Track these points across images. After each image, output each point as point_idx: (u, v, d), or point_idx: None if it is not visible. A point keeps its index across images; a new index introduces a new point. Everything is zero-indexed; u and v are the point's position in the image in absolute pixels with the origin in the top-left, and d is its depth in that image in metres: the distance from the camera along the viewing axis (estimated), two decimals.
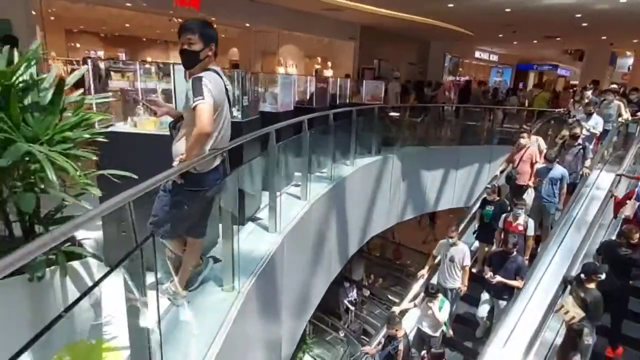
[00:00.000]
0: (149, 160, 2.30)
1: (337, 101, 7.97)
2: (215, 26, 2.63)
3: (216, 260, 3.15)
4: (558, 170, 5.86)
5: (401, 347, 4.62)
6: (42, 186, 1.55)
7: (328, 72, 14.63)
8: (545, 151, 6.49)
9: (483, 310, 5.34)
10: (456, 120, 11.08)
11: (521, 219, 5.48)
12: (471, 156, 10.03)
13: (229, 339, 2.53)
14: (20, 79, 1.50)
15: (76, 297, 1.60)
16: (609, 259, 4.60)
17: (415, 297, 5.55)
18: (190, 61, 2.46)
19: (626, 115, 8.08)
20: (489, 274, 5.08)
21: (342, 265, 7.27)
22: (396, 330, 4.67)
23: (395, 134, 9.33)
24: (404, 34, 15.57)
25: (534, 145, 6.50)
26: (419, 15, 12.14)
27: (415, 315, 5.30)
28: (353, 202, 6.90)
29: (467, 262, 5.37)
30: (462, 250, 5.34)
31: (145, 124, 3.31)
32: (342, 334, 9.10)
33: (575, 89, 14.42)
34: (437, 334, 4.95)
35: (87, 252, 1.71)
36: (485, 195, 6.22)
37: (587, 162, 6.50)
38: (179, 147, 2.50)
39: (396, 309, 5.39)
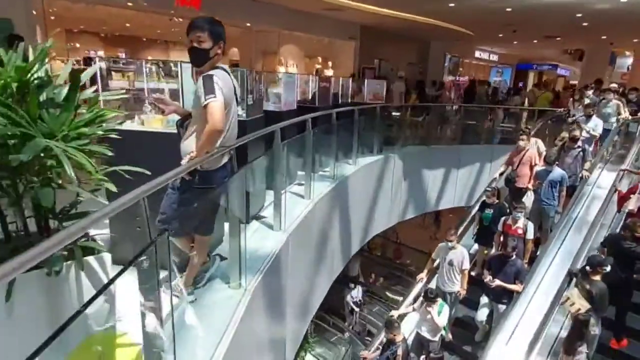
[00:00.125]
0: (156, 158, 2.31)
1: (340, 100, 7.99)
2: None
3: (222, 258, 3.16)
4: (557, 172, 5.83)
5: (400, 352, 4.62)
6: (60, 181, 1.56)
7: (328, 72, 14.64)
8: (544, 153, 6.46)
9: (482, 314, 5.32)
10: (458, 120, 11.09)
11: (520, 222, 5.45)
12: (472, 155, 10.06)
13: (236, 337, 2.54)
14: (35, 75, 1.50)
15: (91, 291, 1.62)
16: (614, 252, 4.64)
17: (414, 301, 5.51)
18: (200, 59, 2.46)
19: (625, 114, 8.11)
20: (488, 278, 5.07)
21: (345, 264, 7.28)
22: (394, 335, 4.67)
23: (397, 134, 9.34)
24: (404, 34, 15.59)
25: (533, 147, 6.47)
26: (419, 15, 12.15)
27: (414, 319, 5.28)
28: (355, 201, 6.91)
29: (466, 265, 5.34)
30: (461, 253, 5.32)
31: (153, 122, 3.32)
32: (346, 335, 9.08)
33: (574, 88, 14.49)
34: (436, 338, 4.93)
35: (102, 247, 1.71)
36: (484, 198, 6.19)
37: (587, 165, 6.49)
38: (188, 145, 2.51)
39: (395, 313, 5.38)
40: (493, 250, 5.88)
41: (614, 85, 10.28)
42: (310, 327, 8.45)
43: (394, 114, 9.81)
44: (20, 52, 1.51)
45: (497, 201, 6.02)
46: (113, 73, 4.46)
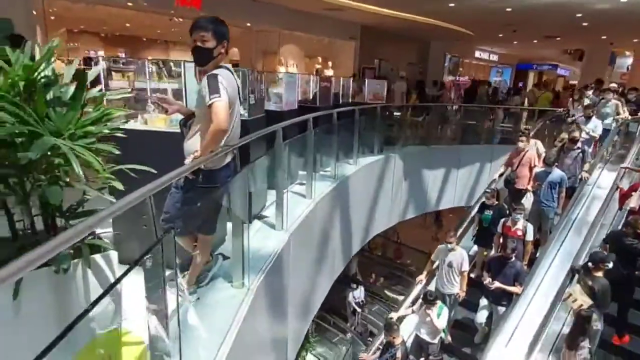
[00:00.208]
0: (160, 157, 2.31)
1: (340, 100, 7.99)
2: None
3: (225, 257, 3.17)
4: (557, 174, 5.82)
5: (399, 354, 4.62)
6: (68, 179, 1.56)
7: (328, 72, 14.65)
8: (543, 155, 6.45)
9: (482, 316, 5.30)
10: (458, 120, 11.10)
11: (520, 224, 5.43)
12: (472, 155, 10.07)
13: (239, 336, 2.55)
14: (42, 74, 1.51)
15: (97, 289, 1.62)
16: (615, 249, 4.66)
17: (413, 303, 5.50)
18: (204, 58, 2.47)
19: (625, 114, 8.12)
20: (487, 280, 5.04)
21: (345, 264, 7.29)
22: (393, 337, 4.67)
23: (398, 133, 9.35)
24: (404, 34, 15.60)
25: (532, 148, 6.46)
26: (419, 15, 12.16)
27: (414, 321, 5.27)
28: (356, 201, 6.92)
29: (466, 267, 5.33)
30: (460, 255, 5.30)
31: (156, 121, 3.32)
32: (348, 336, 9.07)
33: (574, 88, 14.51)
34: (436, 340, 4.92)
35: (108, 245, 1.72)
36: (483, 199, 6.18)
37: (586, 166, 6.50)
38: (192, 144, 2.51)
39: (394, 315, 5.36)
40: (492, 252, 5.85)
41: (613, 85, 10.28)
42: (311, 327, 8.46)
43: (395, 113, 9.82)
44: (28, 51, 1.52)
45: (496, 202, 6.00)
46: (113, 73, 4.47)
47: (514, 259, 5.04)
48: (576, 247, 5.25)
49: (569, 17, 11.06)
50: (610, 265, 4.25)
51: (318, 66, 15.73)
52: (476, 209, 6.46)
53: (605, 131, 7.65)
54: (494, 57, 23.45)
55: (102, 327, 1.57)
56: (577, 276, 4.44)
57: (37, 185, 1.48)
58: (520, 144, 6.29)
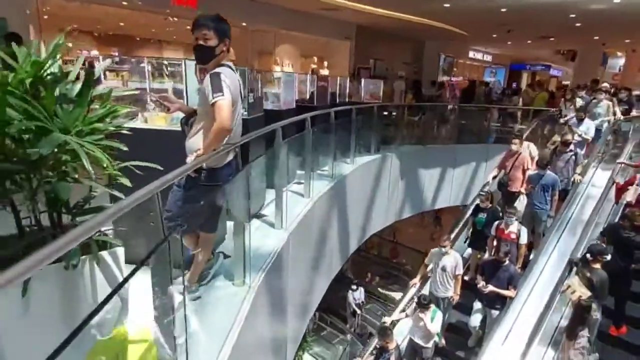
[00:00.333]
0: (160, 155, 2.31)
1: (337, 100, 8.01)
2: None
3: (225, 256, 3.17)
4: (550, 177, 5.81)
5: (393, 359, 4.60)
6: (76, 175, 1.56)
7: (324, 72, 14.66)
8: (536, 157, 6.46)
9: (475, 320, 5.27)
10: (453, 120, 11.16)
11: (514, 227, 5.40)
12: (468, 155, 10.11)
13: (242, 334, 2.55)
14: (48, 71, 1.50)
15: (104, 285, 1.62)
16: (613, 241, 4.72)
17: (406, 307, 5.48)
18: (206, 57, 2.47)
19: (618, 114, 8.18)
20: (481, 284, 5.01)
21: (342, 264, 7.30)
22: (387, 342, 4.65)
23: (394, 133, 9.37)
24: (399, 34, 15.66)
25: (525, 151, 6.45)
26: (414, 15, 12.21)
27: (407, 325, 5.23)
28: (353, 200, 6.93)
29: (460, 271, 5.30)
30: (454, 259, 5.28)
31: (156, 120, 3.32)
32: (348, 337, 9.06)
33: (566, 88, 14.64)
34: (429, 344, 4.89)
35: (116, 242, 1.72)
36: (477, 202, 6.15)
37: (579, 169, 6.51)
38: (194, 142, 2.51)
39: (387, 320, 5.35)
40: (486, 255, 5.82)
41: (605, 85, 10.37)
42: (308, 326, 8.46)
43: (393, 113, 9.85)
44: (24, 49, 1.51)
45: (490, 205, 5.96)
46: (107, 72, 4.44)
47: (507, 262, 5.02)
48: (571, 247, 5.29)
49: (563, 17, 11.16)
50: (609, 257, 4.31)
51: (313, 66, 15.74)
52: (470, 212, 6.44)
53: (597, 131, 7.69)
54: (488, 58, 23.61)
55: (110, 325, 1.56)
56: (575, 268, 4.49)
57: (44, 182, 1.48)
58: (514, 147, 6.26)
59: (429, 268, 5.78)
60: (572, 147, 6.41)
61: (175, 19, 13.13)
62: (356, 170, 6.98)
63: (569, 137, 6.42)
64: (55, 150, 1.45)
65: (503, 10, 10.64)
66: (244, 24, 12.59)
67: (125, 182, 1.70)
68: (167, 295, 1.68)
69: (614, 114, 8.08)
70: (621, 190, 5.83)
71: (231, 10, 10.68)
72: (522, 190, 6.23)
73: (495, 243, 5.52)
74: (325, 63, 15.00)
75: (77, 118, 1.49)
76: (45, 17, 13.21)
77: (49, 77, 1.49)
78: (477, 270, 5.59)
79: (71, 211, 1.62)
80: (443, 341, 5.41)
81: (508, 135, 9.73)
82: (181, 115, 2.84)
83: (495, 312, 5.03)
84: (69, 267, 1.46)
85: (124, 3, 10.12)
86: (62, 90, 1.53)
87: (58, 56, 1.58)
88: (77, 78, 1.66)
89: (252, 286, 3.00)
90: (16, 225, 1.52)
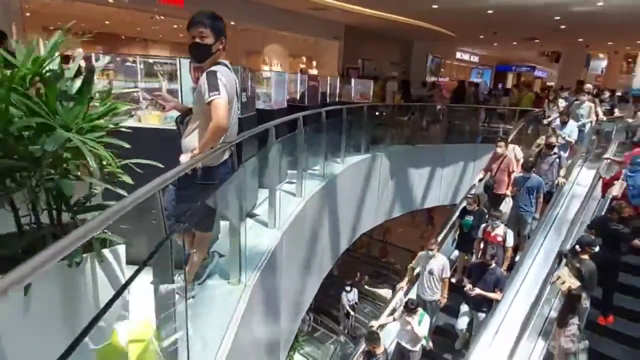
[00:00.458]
0: (154, 154, 2.29)
1: (328, 100, 8.02)
2: None
3: (220, 255, 3.16)
4: (535, 180, 5.88)
5: None
6: (79, 173, 1.54)
7: (313, 72, 14.68)
8: (521, 160, 6.55)
9: (462, 323, 5.28)
10: (441, 119, 11.26)
11: (500, 230, 5.42)
12: (456, 154, 10.22)
13: (239, 332, 2.55)
14: (47, 68, 1.48)
15: (106, 283, 1.61)
16: (601, 234, 4.84)
17: (394, 311, 5.48)
18: (202, 55, 2.45)
19: (600, 115, 8.35)
20: (468, 286, 5.03)
21: (333, 263, 7.31)
22: (375, 347, 4.66)
23: (384, 133, 9.42)
24: (387, 34, 15.75)
25: (510, 153, 6.54)
26: (403, 16, 12.30)
27: (395, 329, 5.22)
28: (344, 200, 6.95)
29: (447, 274, 5.32)
30: (441, 262, 5.28)
31: (150, 118, 3.29)
32: (342, 339, 9.05)
33: (549, 89, 14.93)
34: (417, 348, 4.90)
35: (117, 239, 1.70)
36: (464, 204, 6.17)
37: (562, 171, 6.61)
38: (190, 141, 2.50)
39: (375, 324, 5.36)
40: (474, 258, 5.85)
41: (588, 86, 10.58)
42: (302, 327, 8.46)
43: (383, 113, 9.90)
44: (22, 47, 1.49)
45: (477, 208, 5.99)
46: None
47: (494, 265, 5.06)
48: (556, 246, 5.40)
49: (548, 19, 11.37)
50: (597, 248, 4.43)
51: (302, 66, 15.74)
52: (457, 214, 6.47)
53: (580, 132, 7.82)
54: (475, 59, 23.91)
55: (110, 326, 1.55)
56: (564, 260, 4.61)
57: (46, 179, 1.46)
58: (499, 150, 6.36)
59: (416, 271, 5.78)
60: (555, 149, 6.50)
61: (162, 17, 13.00)
62: (346, 170, 7.00)
63: (552, 139, 6.52)
64: (56, 147, 1.43)
65: (490, 11, 10.79)
66: (232, 22, 12.53)
67: (127, 179, 1.68)
68: (168, 294, 1.67)
69: (596, 114, 8.24)
70: (607, 185, 6.00)
71: (219, 8, 10.50)
72: (508, 192, 6.30)
73: (482, 246, 5.55)
74: (314, 63, 15.00)
75: (78, 115, 1.47)
76: (28, 14, 12.97)
77: (48, 74, 1.47)
78: (464, 273, 5.63)
79: (72, 209, 1.60)
80: (430, 344, 5.44)
81: (495, 135, 9.91)
82: (176, 113, 2.82)
83: (481, 315, 5.06)
84: (72, 265, 1.45)
85: (110, 1, 9.98)
86: (62, 87, 1.51)
87: (57, 53, 1.56)
88: (76, 75, 1.64)
89: (247, 284, 3.00)
90: (15, 224, 1.50)
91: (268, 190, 4.27)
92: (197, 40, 2.41)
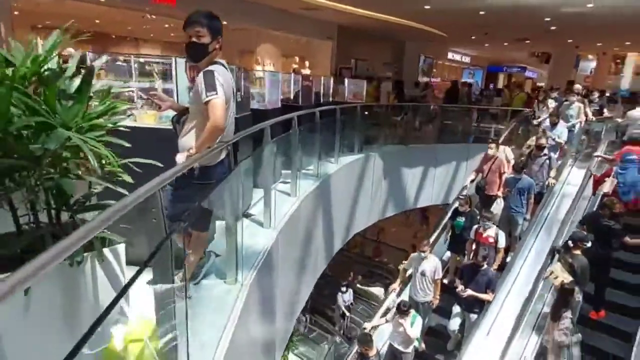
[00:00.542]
0: (150, 153, 2.28)
1: (321, 99, 8.03)
2: None
3: (216, 255, 3.16)
4: (526, 181, 5.92)
5: None
6: (80, 172, 1.53)
7: (305, 72, 14.67)
8: (512, 161, 6.60)
9: (454, 324, 5.29)
10: (433, 119, 11.32)
11: (491, 231, 5.42)
12: (449, 154, 10.29)
13: (237, 331, 2.55)
14: (46, 66, 1.48)
15: (105, 283, 1.60)
16: (593, 230, 4.89)
17: (386, 312, 5.50)
18: (199, 54, 2.45)
19: (589, 115, 8.46)
20: (460, 287, 5.04)
21: (327, 263, 7.32)
22: (367, 349, 4.67)
23: (377, 133, 9.45)
24: (380, 34, 15.81)
25: (501, 154, 6.58)
26: (395, 16, 12.35)
27: (388, 330, 5.23)
28: (337, 200, 6.97)
29: (439, 275, 5.33)
30: (433, 263, 5.29)
31: (145, 118, 3.27)
32: (337, 339, 9.05)
33: (539, 89, 15.09)
34: (409, 350, 4.90)
35: (118, 238, 1.70)
36: (456, 205, 6.18)
37: (553, 172, 6.69)
38: (187, 141, 2.49)
39: (367, 325, 5.37)
40: (466, 259, 5.85)
41: (577, 86, 10.70)
42: (298, 327, 8.45)
43: (378, 112, 9.92)
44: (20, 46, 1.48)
45: (469, 209, 6.01)
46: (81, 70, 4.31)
47: (485, 266, 5.08)
48: (547, 246, 5.46)
49: (539, 20, 11.49)
50: (589, 244, 4.49)
51: (295, 66, 15.72)
52: (449, 215, 6.50)
53: (569, 132, 7.90)
54: (466, 59, 24.07)
55: (109, 326, 1.55)
56: (557, 255, 4.69)
57: (47, 178, 1.45)
58: (490, 151, 6.40)
59: (408, 273, 5.79)
60: (545, 150, 6.56)
61: (154, 16, 12.92)
62: (340, 170, 7.02)
63: (543, 141, 6.57)
64: (57, 146, 1.43)
65: (482, 12, 10.88)
66: (224, 22, 12.47)
67: (127, 178, 1.68)
68: (167, 294, 1.67)
69: (586, 115, 8.34)
70: (598, 182, 6.10)
71: (211, 7, 10.44)
72: (499, 193, 6.34)
73: (474, 247, 5.57)
74: (307, 63, 14.99)
75: (77, 114, 1.46)
76: (16, 13, 12.81)
77: (46, 73, 1.46)
78: (456, 274, 5.65)
79: (71, 208, 1.59)
80: (423, 345, 5.46)
81: (487, 135, 9.99)
82: (171, 113, 2.81)
83: (473, 316, 5.08)
84: (74, 264, 1.44)
85: (102, 0, 9.88)
86: (61, 85, 1.50)
87: (55, 52, 1.56)
88: (74, 74, 1.63)
89: (244, 284, 3.00)
90: (14, 223, 1.49)
91: (263, 190, 4.27)
92: (194, 39, 2.41)
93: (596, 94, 11.58)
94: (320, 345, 9.05)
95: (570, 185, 7.12)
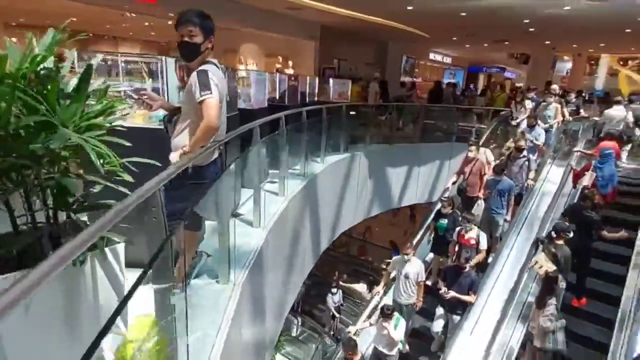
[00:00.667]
0: (140, 154, 2.26)
1: (307, 99, 8.05)
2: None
3: (207, 254, 3.15)
4: (506, 182, 6.01)
5: None
6: (81, 171, 1.51)
7: (289, 71, 14.66)
8: (493, 163, 6.70)
9: (438, 325, 5.32)
10: (417, 119, 11.44)
11: (473, 233, 5.46)
12: (432, 153, 10.43)
13: (231, 329, 2.55)
14: (42, 65, 1.45)
15: (105, 283, 1.59)
16: (575, 221, 5.05)
17: (370, 315, 5.53)
18: (191, 54, 2.44)
19: (566, 116, 8.68)
20: (443, 289, 5.08)
21: (314, 262, 7.34)
22: (351, 354, 4.70)
23: (362, 132, 9.51)
24: (363, 35, 15.89)
25: (481, 156, 6.68)
26: (378, 17, 12.44)
27: (372, 333, 5.27)
28: (324, 199, 6.99)
29: (422, 277, 5.37)
30: (417, 266, 5.32)
31: (134, 117, 3.23)
32: (328, 341, 9.06)
33: (517, 90, 15.42)
34: (393, 352, 4.93)
35: (118, 238, 1.68)
36: (439, 207, 6.22)
37: (532, 174, 6.84)
38: (180, 141, 2.48)
39: (352, 329, 5.39)
40: (449, 261, 5.87)
41: (554, 87, 10.96)
42: (289, 327, 8.43)
43: (364, 111, 9.98)
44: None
45: (451, 211, 6.06)
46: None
47: (468, 268, 5.13)
48: (527, 245, 5.60)
49: (518, 22, 11.74)
50: (571, 234, 4.65)
51: (278, 65, 15.70)
52: (432, 217, 6.55)
53: (547, 132, 8.09)
54: (448, 60, 24.41)
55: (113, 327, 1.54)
56: (541, 246, 4.86)
57: (47, 178, 1.43)
58: (470, 154, 6.49)
59: (391, 275, 5.82)
60: (525, 152, 6.69)
61: (133, 14, 12.71)
62: (326, 169, 7.05)
63: (522, 143, 6.70)
64: (61, 145, 1.41)
65: (463, 14, 11.05)
66: None
67: (128, 178, 1.67)
68: (166, 293, 1.67)
69: (563, 115, 8.55)
70: (578, 176, 6.30)
71: (194, 6, 10.42)
72: (480, 195, 6.44)
73: (457, 248, 5.61)
74: (290, 62, 14.99)
75: (75, 113, 1.45)
76: None
77: (42, 72, 1.44)
78: (439, 275, 5.71)
79: (70, 208, 1.57)
80: (407, 347, 5.51)
81: (469, 134, 10.15)
82: (162, 113, 2.79)
83: (456, 318, 5.13)
84: (77, 264, 1.43)
85: None
86: (59, 84, 1.48)
87: (52, 51, 1.53)
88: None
89: (237, 283, 3.00)
90: (11, 223, 1.46)
91: (253, 190, 4.27)
92: (186, 39, 2.40)
93: (573, 95, 11.89)
94: (308, 345, 9.06)
95: (550, 183, 7.31)
